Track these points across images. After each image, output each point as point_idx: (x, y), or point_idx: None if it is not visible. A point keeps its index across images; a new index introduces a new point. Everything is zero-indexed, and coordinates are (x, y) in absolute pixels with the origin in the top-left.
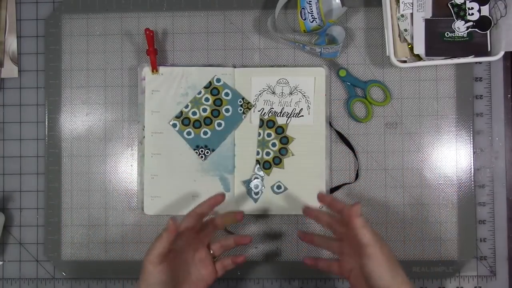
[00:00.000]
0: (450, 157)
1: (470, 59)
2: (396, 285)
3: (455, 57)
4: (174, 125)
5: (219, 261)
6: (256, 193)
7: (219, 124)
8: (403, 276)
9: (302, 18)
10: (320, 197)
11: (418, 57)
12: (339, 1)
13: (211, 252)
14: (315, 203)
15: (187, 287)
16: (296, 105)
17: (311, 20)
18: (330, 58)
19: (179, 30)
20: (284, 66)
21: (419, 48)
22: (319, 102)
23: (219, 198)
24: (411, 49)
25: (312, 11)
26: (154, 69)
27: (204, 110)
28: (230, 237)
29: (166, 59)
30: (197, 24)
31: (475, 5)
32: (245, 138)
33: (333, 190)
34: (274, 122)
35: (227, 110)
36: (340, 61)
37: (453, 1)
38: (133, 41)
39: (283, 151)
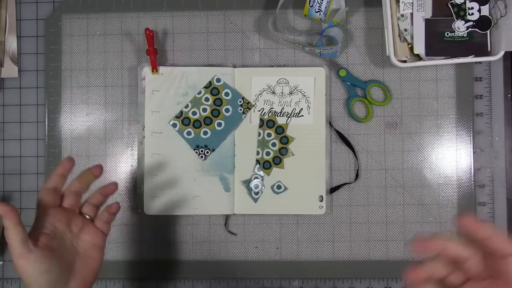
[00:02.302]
0: (450, 157)
1: (470, 59)
2: None
3: (455, 57)
4: (174, 125)
5: (96, 218)
6: (256, 193)
7: (219, 124)
8: None
9: (309, 3)
10: (462, 221)
11: (418, 57)
12: (343, 3)
13: (87, 217)
14: (315, 203)
15: (80, 264)
16: (296, 105)
17: (316, 10)
18: (330, 58)
19: (179, 30)
20: (284, 66)
21: (419, 48)
22: (319, 102)
23: (66, 163)
24: (411, 49)
25: (321, 3)
26: (154, 69)
27: (204, 110)
28: (95, 192)
29: (166, 59)
30: (197, 24)
31: (475, 5)
32: (245, 138)
33: (333, 190)
34: (274, 122)
35: (227, 110)
36: (340, 61)
37: (453, 1)
38: (133, 41)
39: (283, 151)
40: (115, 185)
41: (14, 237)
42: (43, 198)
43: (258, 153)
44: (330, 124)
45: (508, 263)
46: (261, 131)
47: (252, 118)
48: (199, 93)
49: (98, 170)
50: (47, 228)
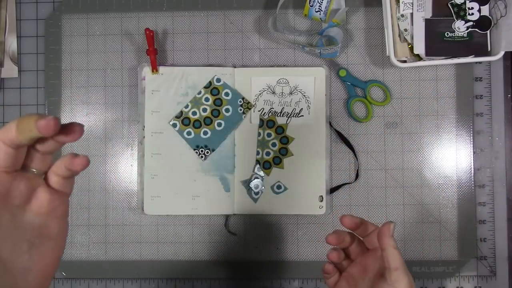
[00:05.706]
0: (450, 157)
1: (470, 59)
2: None
3: (455, 57)
4: (174, 125)
5: (50, 172)
6: (256, 193)
7: (219, 124)
8: None
9: (310, 3)
10: (346, 219)
11: (418, 57)
12: (343, 3)
13: (34, 171)
14: (315, 203)
15: (33, 252)
16: (296, 105)
17: (317, 10)
18: (330, 58)
19: (179, 30)
20: (284, 66)
21: (419, 48)
22: (319, 102)
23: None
24: (411, 49)
25: (321, 3)
26: (154, 69)
27: (204, 110)
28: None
29: (166, 59)
30: (197, 24)
31: (475, 5)
32: (245, 138)
33: (333, 190)
34: (274, 122)
35: (227, 110)
36: (340, 61)
37: (453, 1)
38: (133, 41)
39: (283, 151)
40: (85, 159)
41: None
42: None
43: (258, 153)
44: (330, 124)
45: (381, 246)
46: (261, 131)
47: (252, 118)
48: (199, 93)
49: (47, 123)
50: None
